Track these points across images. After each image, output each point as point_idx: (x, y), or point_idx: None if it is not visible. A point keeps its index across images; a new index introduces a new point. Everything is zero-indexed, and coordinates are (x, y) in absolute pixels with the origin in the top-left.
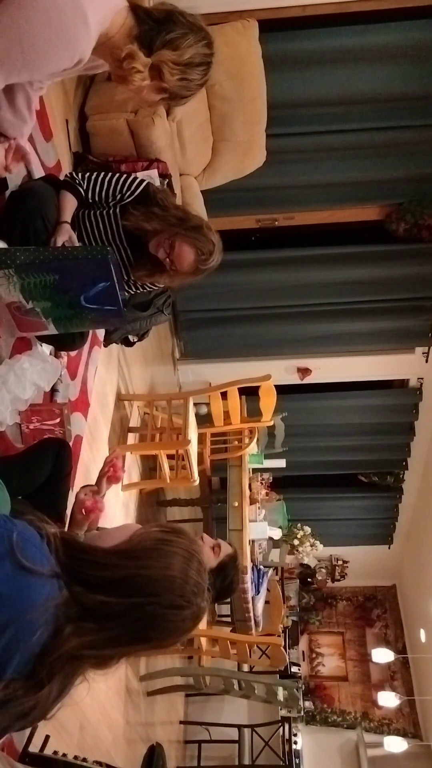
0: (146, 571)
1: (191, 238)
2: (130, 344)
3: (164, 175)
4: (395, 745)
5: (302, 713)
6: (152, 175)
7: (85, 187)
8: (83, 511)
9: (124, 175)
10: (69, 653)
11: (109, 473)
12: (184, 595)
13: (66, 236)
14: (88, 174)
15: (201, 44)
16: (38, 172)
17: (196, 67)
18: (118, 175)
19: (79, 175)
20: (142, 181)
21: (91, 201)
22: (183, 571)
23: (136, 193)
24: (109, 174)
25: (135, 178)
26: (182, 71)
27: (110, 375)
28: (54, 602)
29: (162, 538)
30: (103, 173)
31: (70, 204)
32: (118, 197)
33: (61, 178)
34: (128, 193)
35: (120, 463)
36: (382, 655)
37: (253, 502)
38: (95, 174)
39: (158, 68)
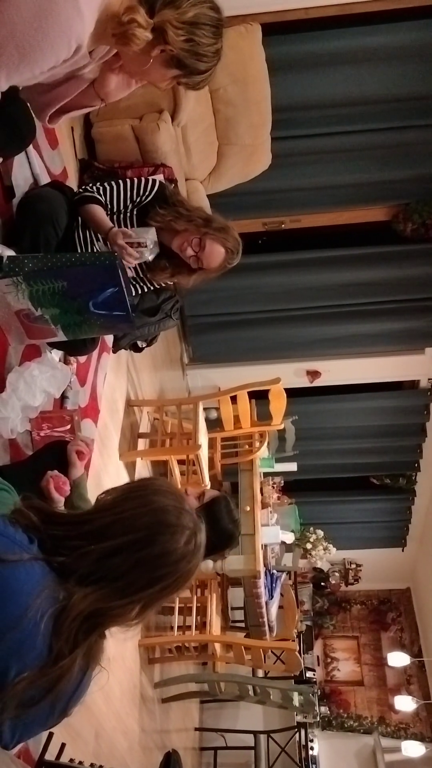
0: (124, 513)
1: (221, 237)
2: (138, 350)
3: (170, 180)
4: (413, 749)
5: (318, 718)
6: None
7: (102, 197)
8: (53, 490)
9: (136, 180)
10: (84, 614)
11: (78, 448)
12: (171, 521)
13: (122, 237)
14: (99, 184)
15: (206, 6)
16: (44, 180)
17: (202, 27)
18: (129, 181)
19: (93, 187)
20: (155, 181)
21: (109, 211)
22: (160, 503)
23: (152, 194)
24: (121, 181)
25: (148, 180)
26: (188, 31)
27: (119, 381)
28: (48, 589)
29: (126, 488)
30: (114, 182)
31: (102, 213)
32: (136, 201)
33: (69, 185)
34: (144, 195)
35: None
36: (398, 659)
37: (264, 506)
38: (107, 184)
39: (161, 29)
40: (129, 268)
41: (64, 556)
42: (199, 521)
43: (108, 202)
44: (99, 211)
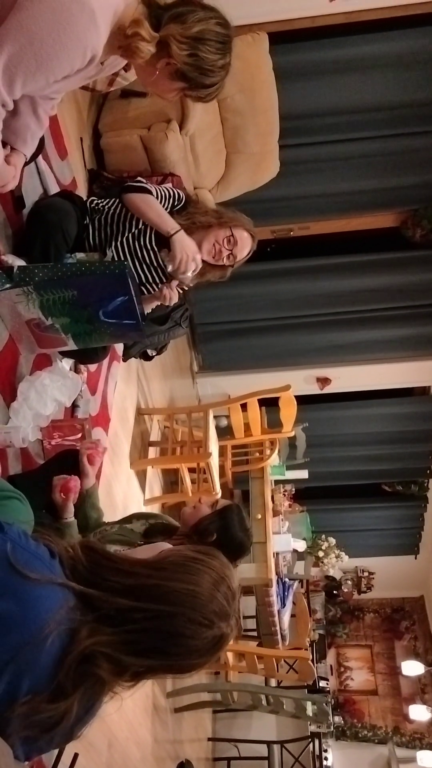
0: (172, 583)
1: (241, 222)
2: (148, 358)
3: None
4: (428, 759)
5: (332, 728)
6: None
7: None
8: (61, 494)
9: (169, 190)
10: (84, 652)
11: (89, 451)
12: (208, 614)
13: (191, 245)
14: (152, 185)
15: (212, 22)
16: (54, 190)
17: (206, 42)
18: (165, 190)
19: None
20: (177, 190)
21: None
22: (210, 591)
23: (181, 202)
24: (161, 188)
25: (174, 190)
26: (191, 46)
27: (130, 389)
28: (67, 607)
29: (192, 557)
30: (157, 188)
31: (159, 205)
32: (173, 204)
33: (80, 194)
34: (173, 201)
35: (97, 448)
36: (412, 668)
37: (276, 514)
38: (150, 187)
39: (166, 43)
40: (140, 273)
41: (97, 590)
42: (234, 625)
43: None
44: (154, 203)
